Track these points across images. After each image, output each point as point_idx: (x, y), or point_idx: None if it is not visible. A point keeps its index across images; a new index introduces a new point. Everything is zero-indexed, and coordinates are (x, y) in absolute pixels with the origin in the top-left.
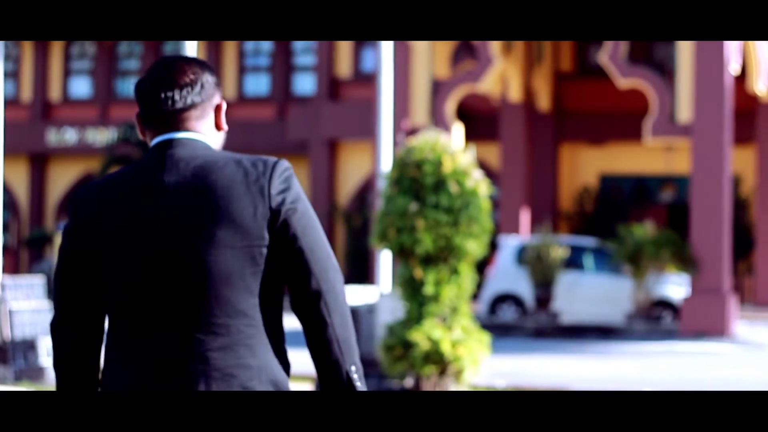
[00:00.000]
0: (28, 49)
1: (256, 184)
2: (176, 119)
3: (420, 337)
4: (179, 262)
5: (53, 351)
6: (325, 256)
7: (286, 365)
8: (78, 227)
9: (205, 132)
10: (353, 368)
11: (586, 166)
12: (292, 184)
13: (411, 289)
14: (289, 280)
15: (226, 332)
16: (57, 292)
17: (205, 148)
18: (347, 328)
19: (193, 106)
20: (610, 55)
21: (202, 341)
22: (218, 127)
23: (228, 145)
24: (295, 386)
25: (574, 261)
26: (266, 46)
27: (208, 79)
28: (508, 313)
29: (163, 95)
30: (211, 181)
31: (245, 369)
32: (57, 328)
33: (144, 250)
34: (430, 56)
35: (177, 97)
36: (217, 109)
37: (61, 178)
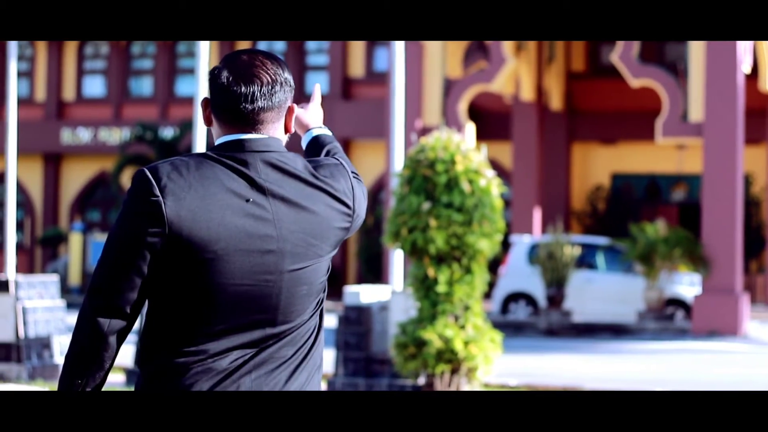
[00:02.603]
0: (42, 48)
1: (347, 200)
2: (254, 118)
3: (432, 335)
4: (284, 270)
5: (86, 339)
6: None
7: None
8: (160, 212)
9: (278, 135)
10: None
11: (598, 166)
12: (356, 185)
13: (424, 287)
14: None
15: (303, 334)
16: (111, 276)
17: (284, 152)
18: None
19: (270, 108)
20: (621, 54)
21: (284, 341)
22: (287, 130)
23: None
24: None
25: (586, 260)
26: (279, 46)
27: (287, 79)
28: (520, 312)
29: (244, 90)
30: (310, 195)
31: (317, 368)
32: (101, 314)
33: (248, 254)
34: (442, 56)
35: (258, 95)
36: (289, 111)
37: (75, 178)
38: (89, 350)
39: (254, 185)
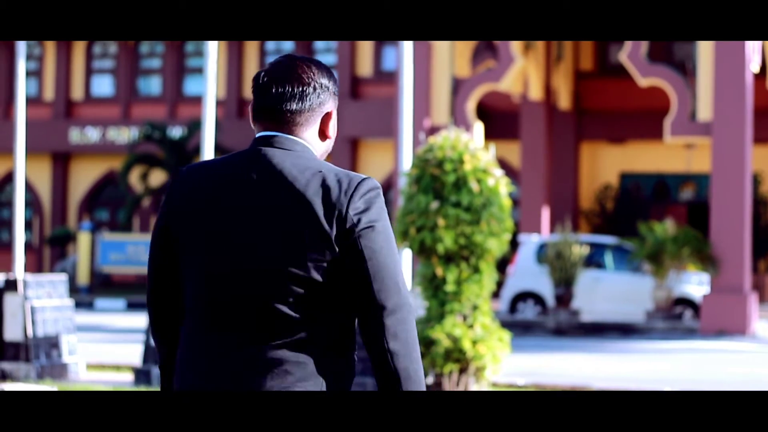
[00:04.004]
0: (50, 48)
1: (336, 203)
2: (282, 118)
3: (441, 335)
4: (249, 266)
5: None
6: (391, 283)
7: (350, 371)
8: (168, 208)
9: (307, 137)
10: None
11: (606, 165)
12: (373, 204)
13: (432, 287)
14: (355, 296)
15: (283, 336)
16: (148, 266)
17: (300, 153)
18: (408, 353)
19: (300, 110)
20: (630, 53)
21: (260, 343)
22: (324, 135)
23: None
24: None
25: (594, 259)
26: (288, 45)
27: (324, 84)
28: (528, 311)
29: (274, 91)
30: (294, 193)
31: (299, 369)
32: (149, 299)
33: (220, 246)
34: (450, 55)
35: (287, 96)
36: (327, 116)
37: (84, 177)
38: (152, 334)
39: (249, 179)
